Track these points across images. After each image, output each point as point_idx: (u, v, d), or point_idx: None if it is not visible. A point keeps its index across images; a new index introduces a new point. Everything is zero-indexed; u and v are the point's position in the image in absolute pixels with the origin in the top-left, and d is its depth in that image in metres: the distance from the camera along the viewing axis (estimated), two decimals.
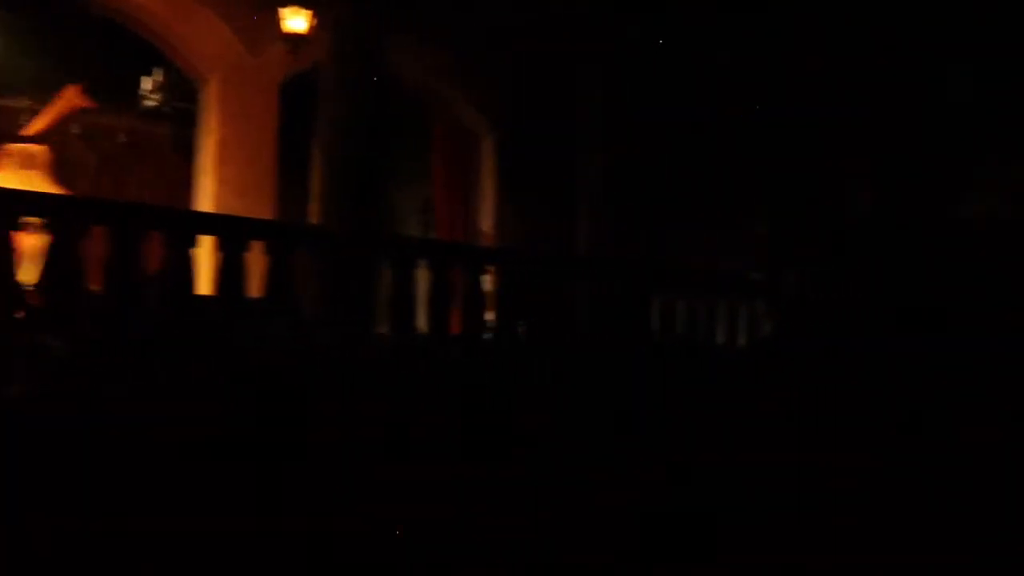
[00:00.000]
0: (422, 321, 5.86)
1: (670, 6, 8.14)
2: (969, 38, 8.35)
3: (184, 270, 4.88)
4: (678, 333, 7.33)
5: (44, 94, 8.18)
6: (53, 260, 4.41)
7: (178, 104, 9.05)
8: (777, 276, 8.15)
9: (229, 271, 5.02)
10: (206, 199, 7.75)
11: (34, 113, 8.11)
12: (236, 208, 7.29)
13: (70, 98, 7.87)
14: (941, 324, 7.46)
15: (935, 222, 8.68)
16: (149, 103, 9.07)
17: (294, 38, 7.04)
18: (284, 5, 7.01)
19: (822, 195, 9.45)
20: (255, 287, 5.17)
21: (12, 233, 4.42)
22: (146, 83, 8.96)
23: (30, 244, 4.75)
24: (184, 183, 8.38)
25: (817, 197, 9.44)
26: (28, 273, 4.57)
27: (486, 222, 9.45)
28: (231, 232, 5.00)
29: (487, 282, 6.60)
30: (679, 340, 7.31)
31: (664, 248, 8.67)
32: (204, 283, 5.88)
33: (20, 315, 4.50)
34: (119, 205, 5.37)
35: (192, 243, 4.88)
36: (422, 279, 5.91)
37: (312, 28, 7.03)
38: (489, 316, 6.50)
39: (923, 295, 7.86)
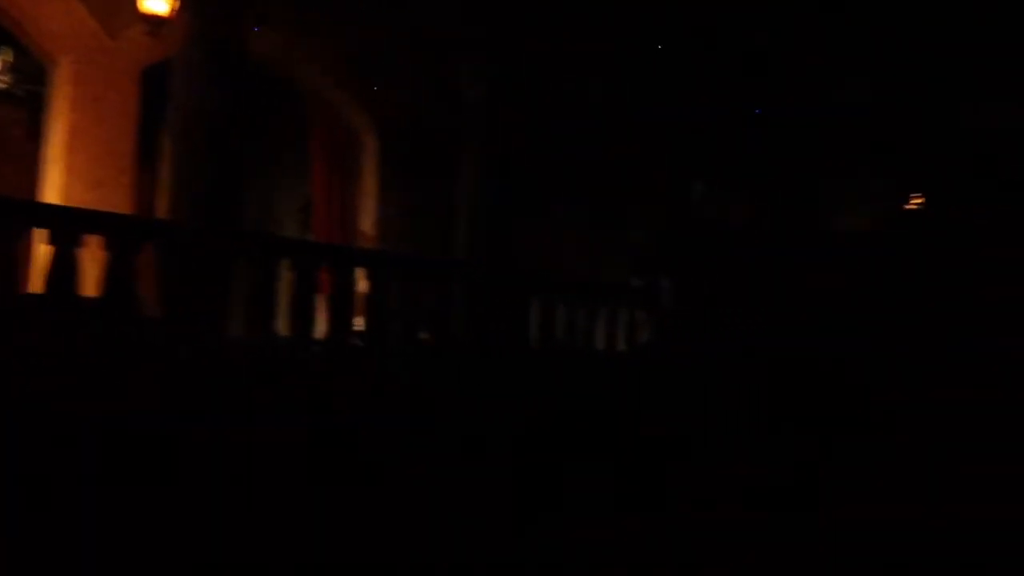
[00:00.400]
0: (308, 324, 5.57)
1: (550, 13, 8.06)
2: (842, 69, 8.66)
3: (5, 265, 4.42)
4: (557, 338, 7.24)
5: None
6: None
7: (32, 87, 8.37)
8: (657, 283, 8.17)
9: (60, 267, 4.58)
10: (53, 190, 7.15)
11: None
12: (87, 201, 6.74)
13: None
14: (813, 330, 7.63)
15: (808, 234, 8.92)
16: None
17: (154, 20, 6.57)
18: None
19: (703, 206, 9.59)
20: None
21: None
22: None
23: None
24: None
25: (698, 207, 9.58)
26: None
27: (367, 223, 9.13)
28: (61, 224, 4.55)
29: (361, 285, 6.33)
30: (558, 345, 7.22)
31: (546, 253, 8.59)
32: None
33: None
34: None
35: (13, 235, 4.42)
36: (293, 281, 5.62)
37: (174, 10, 6.57)
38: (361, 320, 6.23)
39: (796, 302, 8.04)
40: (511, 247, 7.37)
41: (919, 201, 9.31)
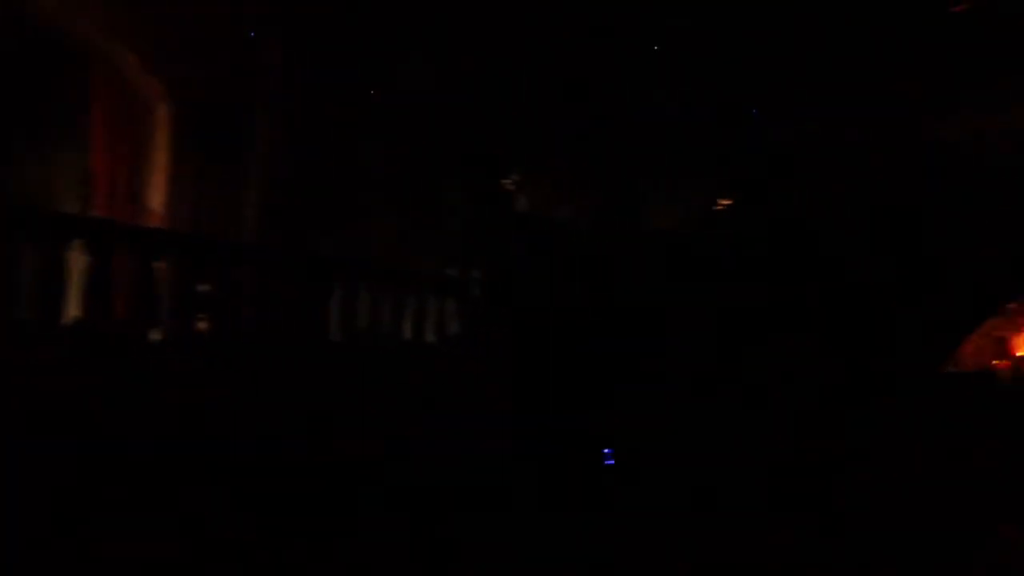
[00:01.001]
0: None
1: None
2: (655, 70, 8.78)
3: None
4: (359, 329, 6.81)
5: None
6: None
7: None
8: (469, 275, 7.92)
9: None
10: None
11: None
12: None
13: None
14: (622, 325, 7.63)
15: (621, 230, 8.99)
16: None
17: None
18: None
19: (520, 200, 9.44)
20: None
21: None
22: None
23: None
24: None
25: (515, 201, 9.41)
26: None
27: (156, 200, 8.25)
28: None
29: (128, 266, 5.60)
30: (360, 336, 6.79)
31: (354, 243, 8.10)
32: None
33: None
34: None
35: None
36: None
37: None
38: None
39: (609, 298, 8.02)
40: (309, 228, 6.84)
41: (725, 203, 9.59)
